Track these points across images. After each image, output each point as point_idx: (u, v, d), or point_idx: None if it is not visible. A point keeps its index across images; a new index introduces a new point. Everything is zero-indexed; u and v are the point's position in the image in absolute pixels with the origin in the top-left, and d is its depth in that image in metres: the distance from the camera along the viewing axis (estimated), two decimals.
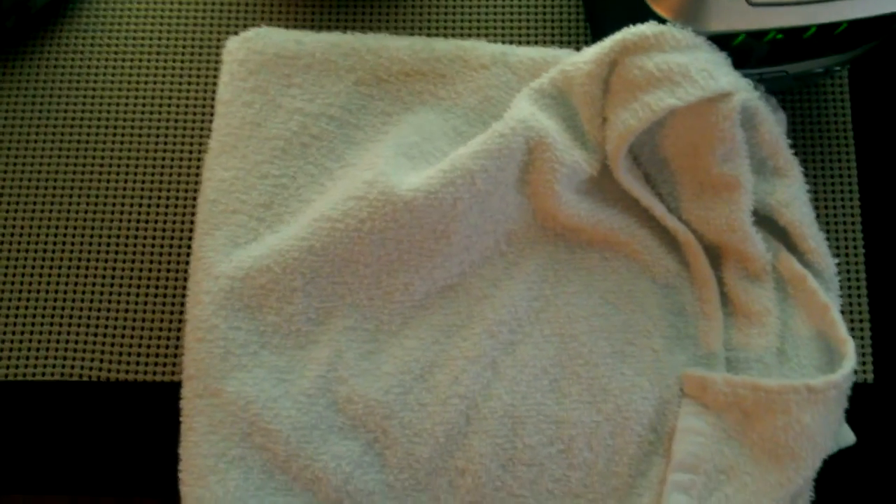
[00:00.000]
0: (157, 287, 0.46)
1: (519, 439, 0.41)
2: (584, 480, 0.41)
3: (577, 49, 0.43)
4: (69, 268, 0.46)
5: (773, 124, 0.41)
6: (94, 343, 0.45)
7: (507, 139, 0.40)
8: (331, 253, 0.41)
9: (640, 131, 0.39)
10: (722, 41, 0.40)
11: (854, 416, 0.42)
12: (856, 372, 0.45)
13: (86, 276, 0.46)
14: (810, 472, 0.39)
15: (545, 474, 0.41)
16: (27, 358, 0.45)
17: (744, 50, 0.41)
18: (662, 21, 0.39)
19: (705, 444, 0.40)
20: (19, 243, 0.47)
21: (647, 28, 0.39)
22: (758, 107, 0.40)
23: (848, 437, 0.42)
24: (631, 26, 0.39)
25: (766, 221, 0.42)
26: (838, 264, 0.45)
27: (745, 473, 0.39)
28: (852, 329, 0.46)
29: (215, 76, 0.48)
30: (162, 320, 0.45)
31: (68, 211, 0.47)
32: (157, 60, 0.49)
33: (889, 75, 0.49)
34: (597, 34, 0.47)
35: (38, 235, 0.47)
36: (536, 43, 0.49)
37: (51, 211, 0.47)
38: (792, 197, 0.42)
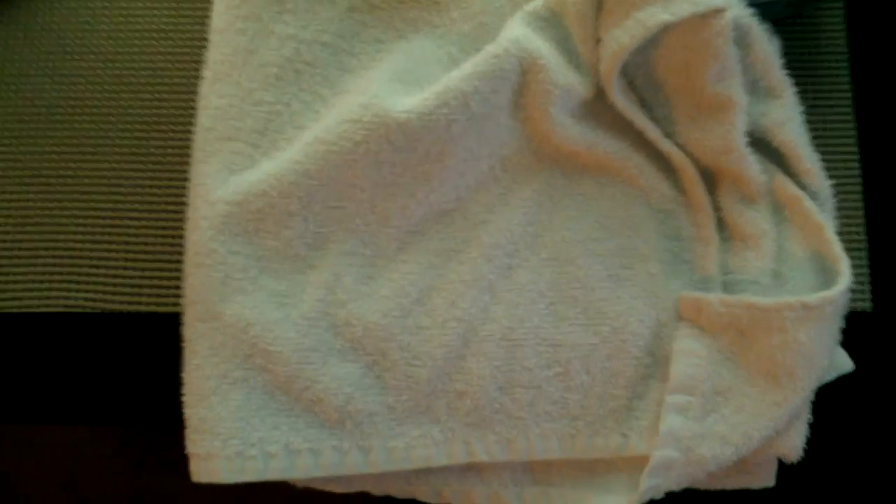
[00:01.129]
0: (157, 218, 0.46)
1: (517, 362, 0.41)
2: (582, 402, 0.41)
3: None
4: (68, 200, 0.47)
5: (765, 43, 0.41)
6: (97, 275, 0.46)
7: (500, 60, 0.40)
8: (326, 176, 0.41)
9: (632, 49, 0.39)
10: None
11: (852, 343, 0.42)
12: (853, 299, 0.46)
13: (85, 209, 0.47)
14: (807, 392, 0.39)
15: (543, 396, 0.41)
16: (29, 290, 0.46)
17: None
18: None
19: (702, 366, 0.40)
20: (18, 177, 0.47)
21: None
22: (750, 24, 0.40)
23: (846, 364, 0.42)
24: None
25: (761, 144, 0.42)
26: (835, 189, 0.45)
27: (742, 394, 0.40)
28: (850, 255, 0.46)
29: (209, 6, 0.48)
30: (163, 251, 0.46)
31: (66, 143, 0.47)
32: None
33: (885, 3, 0.49)
34: None
35: (35, 168, 0.47)
36: None
37: (48, 143, 0.47)
38: (786, 117, 0.41)
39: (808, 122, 0.44)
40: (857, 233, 0.46)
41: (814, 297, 0.39)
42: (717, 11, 0.38)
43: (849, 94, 0.48)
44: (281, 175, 0.41)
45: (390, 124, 0.40)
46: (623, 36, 0.39)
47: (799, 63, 0.48)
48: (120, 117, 0.48)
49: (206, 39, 0.48)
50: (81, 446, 0.88)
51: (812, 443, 0.40)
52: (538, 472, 0.43)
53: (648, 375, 0.42)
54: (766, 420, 0.39)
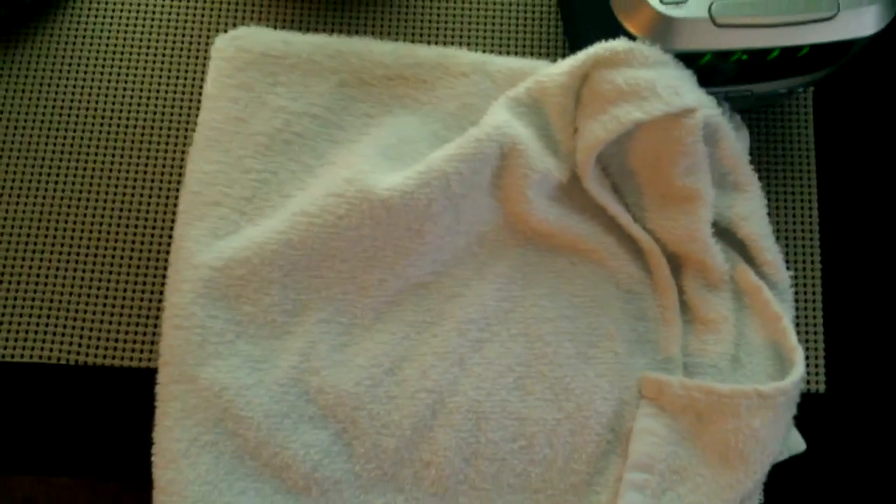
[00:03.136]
0: (136, 275, 0.47)
1: (482, 434, 0.42)
2: (544, 476, 0.43)
3: (555, 61, 0.45)
4: (51, 253, 0.47)
5: (734, 140, 0.43)
6: (74, 327, 0.46)
7: (482, 144, 0.42)
8: (308, 247, 0.42)
9: (607, 142, 0.41)
10: (689, 59, 0.41)
11: (806, 424, 0.44)
12: (808, 382, 0.47)
13: (67, 262, 0.47)
14: (759, 476, 0.41)
15: (507, 469, 0.42)
16: (6, 339, 0.46)
17: (710, 69, 0.43)
18: (633, 38, 0.41)
19: (660, 445, 0.42)
20: (2, 227, 0.47)
21: (618, 44, 0.40)
22: (720, 123, 0.42)
23: (799, 445, 0.44)
24: (603, 42, 0.41)
25: (726, 234, 0.44)
26: (795, 278, 0.47)
27: (697, 474, 0.41)
28: (806, 341, 0.48)
29: (202, 72, 0.50)
30: (140, 307, 0.47)
31: (53, 197, 0.48)
32: (146, 54, 0.50)
33: (851, 97, 0.52)
34: (574, 47, 0.49)
35: (21, 221, 0.48)
36: (516, 53, 0.51)
37: (35, 198, 0.48)
38: (750, 211, 0.43)
39: (772, 211, 0.46)
40: (815, 318, 0.48)
41: (768, 387, 0.40)
42: (689, 111, 0.40)
43: (812, 186, 0.50)
44: (264, 243, 0.42)
45: (373, 200, 0.41)
46: (599, 129, 0.41)
47: (766, 151, 0.50)
48: (106, 173, 0.48)
49: (197, 102, 0.49)
50: (44, 494, 0.86)
51: None
52: None
53: (609, 451, 0.43)
54: (719, 500, 0.40)
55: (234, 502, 0.40)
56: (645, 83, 0.39)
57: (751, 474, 0.40)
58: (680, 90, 0.40)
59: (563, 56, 0.50)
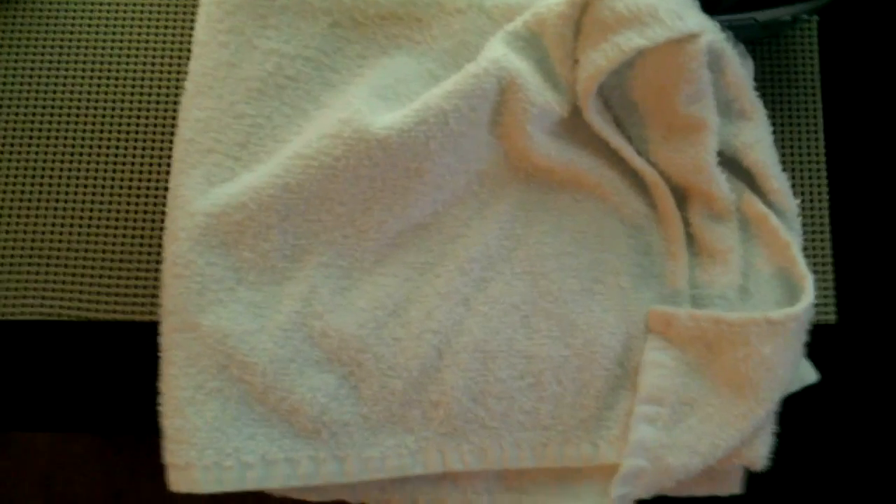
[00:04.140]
0: (135, 227, 0.47)
1: (490, 373, 0.42)
2: (553, 413, 0.42)
3: None
4: (47, 209, 0.47)
5: (738, 67, 0.42)
6: (74, 283, 0.46)
7: (479, 79, 0.41)
8: (306, 190, 0.41)
9: (609, 72, 0.40)
10: None
11: (817, 355, 0.43)
12: (819, 313, 0.47)
13: (64, 218, 0.47)
14: (771, 404, 0.40)
15: (515, 407, 0.42)
16: (5, 298, 0.46)
17: None
18: None
19: (670, 377, 0.42)
20: None
21: None
22: (724, 49, 0.41)
23: (811, 376, 0.44)
24: None
25: (731, 163, 0.44)
26: (802, 208, 0.46)
27: (708, 405, 0.41)
28: (816, 271, 0.47)
29: (191, 18, 0.49)
30: (140, 260, 0.46)
31: (46, 152, 0.47)
32: (133, 3, 0.49)
33: (857, 24, 0.50)
34: None
35: (15, 177, 0.47)
36: None
37: (28, 153, 0.47)
38: (756, 139, 0.43)
39: (778, 141, 0.45)
40: (823, 248, 0.48)
41: (778, 313, 0.40)
42: (692, 36, 0.39)
43: (818, 115, 0.49)
44: (260, 188, 0.41)
45: (370, 140, 0.40)
46: (600, 59, 0.40)
47: (771, 83, 0.49)
48: (99, 127, 0.48)
49: (188, 51, 0.48)
50: (57, 445, 0.87)
51: (778, 452, 0.42)
52: (511, 480, 0.44)
53: (618, 386, 0.43)
54: (732, 430, 0.40)
55: (243, 447, 0.40)
56: (646, 8, 0.38)
57: (763, 402, 0.40)
58: (682, 15, 0.39)
59: None
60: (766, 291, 0.43)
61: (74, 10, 0.49)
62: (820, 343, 0.44)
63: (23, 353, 0.46)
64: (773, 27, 0.46)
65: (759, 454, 0.41)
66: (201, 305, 0.41)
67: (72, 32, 0.49)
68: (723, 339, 0.41)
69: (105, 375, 0.46)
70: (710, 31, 0.40)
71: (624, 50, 0.39)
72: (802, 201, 0.45)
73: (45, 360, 0.46)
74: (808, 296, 0.40)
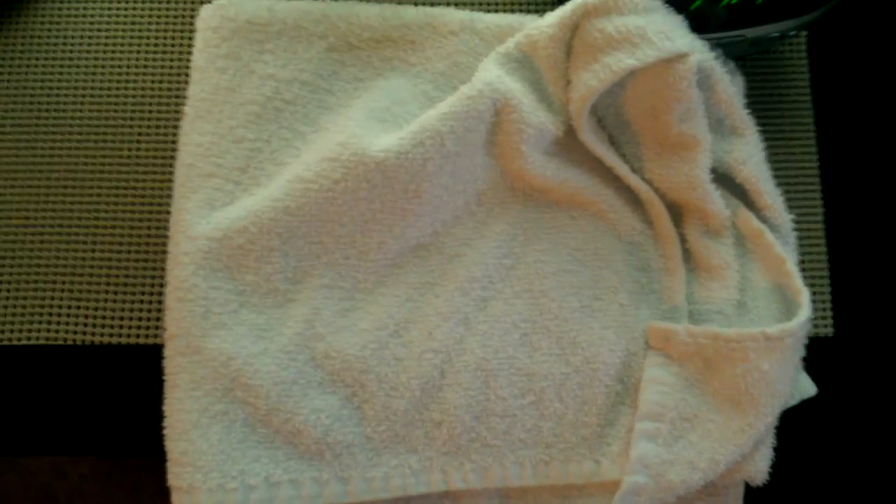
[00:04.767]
0: (137, 251, 0.47)
1: (492, 391, 0.43)
2: (555, 430, 0.43)
3: (541, 16, 0.44)
4: (50, 234, 0.47)
5: (728, 84, 0.42)
6: (78, 307, 0.46)
7: (474, 101, 0.41)
8: (306, 213, 0.42)
9: (600, 92, 0.41)
10: (679, 5, 0.41)
11: (815, 368, 0.44)
12: (816, 326, 0.47)
13: (67, 243, 0.47)
14: (770, 419, 0.41)
15: (517, 425, 0.43)
16: (10, 322, 0.46)
17: (701, 14, 0.42)
18: None
19: (670, 393, 0.42)
20: None
21: None
22: (713, 67, 0.41)
23: (809, 389, 0.44)
24: None
25: (725, 179, 0.44)
26: (797, 222, 0.46)
27: (708, 420, 0.41)
28: (812, 284, 0.48)
29: (189, 44, 0.49)
30: (143, 284, 0.47)
31: (48, 178, 0.48)
32: (131, 29, 0.50)
33: (846, 38, 0.51)
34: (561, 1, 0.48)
35: (18, 203, 0.48)
36: (503, 9, 0.50)
37: (30, 179, 0.48)
38: (748, 155, 0.43)
39: (771, 155, 0.46)
40: (819, 261, 0.48)
41: (775, 329, 0.40)
42: (682, 56, 0.40)
43: (810, 129, 0.50)
44: (261, 212, 0.42)
45: (368, 163, 0.41)
46: (591, 79, 0.40)
47: (762, 98, 0.50)
48: (101, 152, 0.48)
49: (186, 75, 0.49)
50: (61, 466, 0.87)
51: (777, 466, 0.42)
52: (513, 497, 0.44)
53: (619, 402, 0.43)
54: (732, 445, 0.40)
55: (249, 470, 0.40)
56: (635, 30, 0.39)
57: (762, 417, 0.40)
58: (671, 35, 0.40)
59: (552, 10, 0.50)
60: (763, 306, 0.43)
61: (73, 37, 0.50)
62: (817, 356, 0.44)
63: (29, 377, 0.46)
64: (761, 43, 0.47)
65: (760, 469, 0.41)
66: (205, 329, 0.41)
67: (70, 59, 0.49)
68: (721, 355, 0.41)
69: (109, 398, 0.46)
70: (699, 50, 0.41)
71: (614, 71, 0.40)
72: (797, 215, 0.45)
73: (51, 384, 0.46)
74: (805, 311, 0.41)
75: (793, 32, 0.45)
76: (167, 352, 0.42)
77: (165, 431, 0.41)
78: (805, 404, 0.43)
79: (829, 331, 0.48)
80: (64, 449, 0.46)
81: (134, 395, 0.46)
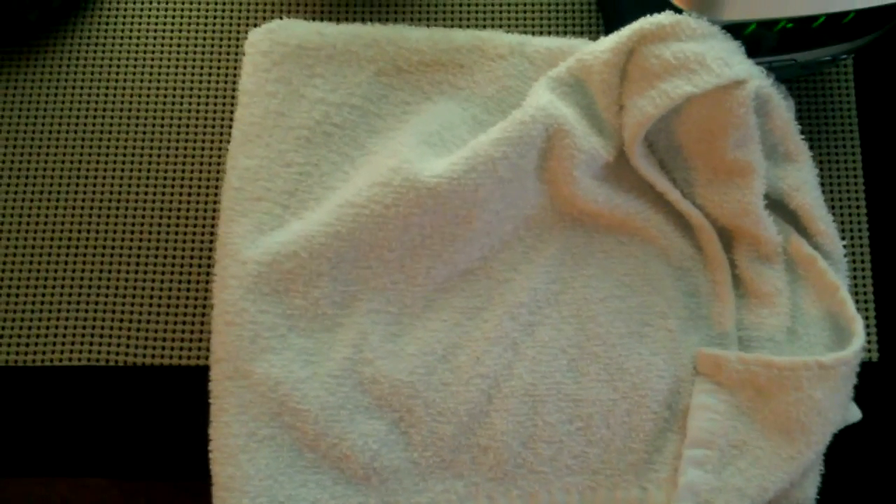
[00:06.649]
0: (181, 273, 0.47)
1: (539, 417, 0.42)
2: (602, 457, 0.42)
3: (592, 39, 0.44)
4: (94, 255, 0.47)
5: (784, 110, 0.42)
6: (121, 328, 0.46)
7: (526, 126, 0.41)
8: (356, 238, 0.42)
9: (656, 118, 0.40)
10: (735, 30, 0.41)
11: (860, 393, 0.43)
12: None
13: (111, 263, 0.47)
14: (821, 447, 0.40)
15: (564, 451, 0.42)
16: (54, 343, 0.46)
17: (755, 39, 0.42)
18: (678, 11, 0.40)
19: (719, 421, 0.42)
20: (44, 231, 0.47)
21: (664, 17, 0.40)
22: (770, 94, 0.41)
23: (854, 414, 0.44)
24: (647, 16, 0.40)
25: (777, 206, 0.44)
26: (843, 246, 0.46)
27: (757, 448, 0.41)
28: (857, 309, 0.47)
29: (235, 67, 0.49)
30: (186, 306, 0.46)
31: (93, 200, 0.48)
32: (178, 52, 0.50)
33: (893, 63, 0.51)
34: (609, 25, 0.48)
35: (63, 224, 0.48)
36: (550, 33, 0.50)
37: (76, 200, 0.48)
38: (802, 181, 0.43)
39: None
40: (864, 285, 0.48)
41: (830, 358, 0.40)
42: (740, 82, 0.40)
43: (856, 152, 0.49)
44: (311, 236, 0.42)
45: (420, 188, 0.41)
46: (647, 105, 0.40)
47: (809, 121, 0.49)
48: (146, 174, 0.48)
49: (232, 98, 0.48)
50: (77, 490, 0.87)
51: (822, 492, 0.41)
52: None
53: (667, 429, 0.43)
54: (781, 473, 0.40)
55: (296, 495, 0.40)
56: (694, 56, 0.39)
57: (812, 445, 0.40)
58: (730, 61, 0.39)
59: (597, 35, 0.50)
60: (814, 333, 0.43)
61: (120, 59, 0.50)
62: (862, 381, 0.44)
63: (71, 398, 0.46)
64: (811, 67, 0.46)
65: (808, 496, 0.41)
66: (253, 353, 0.41)
67: (117, 80, 0.49)
68: (773, 384, 0.41)
69: (150, 420, 0.46)
70: (756, 76, 0.40)
71: (672, 97, 0.39)
72: (842, 239, 0.45)
73: (92, 406, 0.46)
74: (860, 338, 0.40)
75: (843, 56, 0.45)
76: (213, 375, 0.42)
77: (212, 455, 0.41)
78: (849, 429, 0.43)
79: (875, 356, 0.47)
80: (105, 471, 0.45)
81: (176, 418, 0.45)
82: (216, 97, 0.49)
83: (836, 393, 0.40)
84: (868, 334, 0.47)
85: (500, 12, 0.50)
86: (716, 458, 0.41)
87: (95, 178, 0.48)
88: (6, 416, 0.46)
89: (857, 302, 0.48)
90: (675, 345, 0.43)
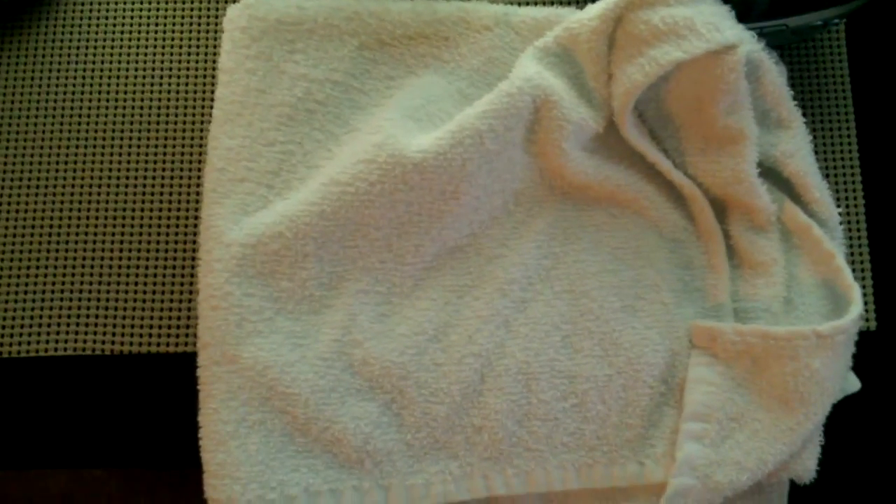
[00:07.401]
0: (165, 258, 0.46)
1: (533, 395, 0.42)
2: (598, 433, 0.42)
3: (578, 8, 0.43)
4: (77, 242, 0.46)
5: (776, 76, 0.41)
6: (106, 317, 0.45)
7: (513, 98, 0.40)
8: (342, 217, 0.41)
9: (646, 86, 0.40)
10: None
11: (858, 362, 0.43)
12: None
13: (94, 251, 0.46)
14: (820, 417, 0.40)
15: (560, 428, 0.42)
16: (39, 334, 0.45)
17: (745, 3, 0.41)
18: None
19: (716, 393, 0.41)
20: (25, 219, 0.46)
21: None
22: (762, 58, 0.40)
23: (853, 384, 0.43)
24: None
25: (770, 173, 0.43)
26: (839, 214, 0.45)
27: (755, 420, 0.40)
28: (854, 278, 0.47)
29: (215, 45, 0.48)
30: (172, 291, 0.46)
31: (73, 185, 0.47)
32: (156, 31, 0.49)
33: (884, 27, 0.50)
34: None
35: (43, 210, 0.47)
36: (536, 3, 0.49)
37: (55, 186, 0.47)
38: (796, 148, 0.42)
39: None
40: (861, 254, 0.47)
41: (826, 327, 0.39)
42: (730, 47, 0.39)
43: (850, 118, 0.48)
44: (296, 216, 0.41)
45: (406, 164, 0.40)
46: (636, 73, 0.39)
47: (801, 88, 0.49)
48: (126, 157, 0.47)
49: (212, 77, 0.47)
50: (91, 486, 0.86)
51: (821, 462, 0.41)
52: (556, 502, 0.43)
53: (663, 403, 0.42)
54: (780, 444, 0.40)
55: (287, 480, 0.39)
56: (683, 21, 0.38)
57: (811, 416, 0.40)
58: (720, 26, 0.38)
59: (584, 3, 0.49)
60: (811, 302, 0.42)
61: (96, 38, 0.49)
62: (860, 350, 0.43)
63: (57, 388, 0.45)
64: (803, 32, 0.45)
65: (807, 467, 0.41)
66: (240, 337, 0.40)
67: (93, 62, 0.48)
68: (770, 354, 0.40)
69: (138, 409, 0.45)
70: (747, 41, 0.40)
71: (661, 64, 0.39)
72: (837, 206, 0.44)
73: (79, 395, 0.45)
74: (857, 307, 0.40)
75: (835, 21, 0.44)
76: (201, 361, 0.41)
77: (201, 442, 0.40)
78: (848, 399, 0.43)
79: (872, 325, 0.47)
80: (93, 462, 0.45)
81: (164, 405, 0.45)
82: (196, 76, 0.48)
83: (834, 362, 0.40)
84: (865, 302, 0.47)
85: None
86: (714, 431, 0.41)
87: (75, 163, 0.47)
88: None
89: (853, 270, 0.47)
90: (669, 318, 0.43)
